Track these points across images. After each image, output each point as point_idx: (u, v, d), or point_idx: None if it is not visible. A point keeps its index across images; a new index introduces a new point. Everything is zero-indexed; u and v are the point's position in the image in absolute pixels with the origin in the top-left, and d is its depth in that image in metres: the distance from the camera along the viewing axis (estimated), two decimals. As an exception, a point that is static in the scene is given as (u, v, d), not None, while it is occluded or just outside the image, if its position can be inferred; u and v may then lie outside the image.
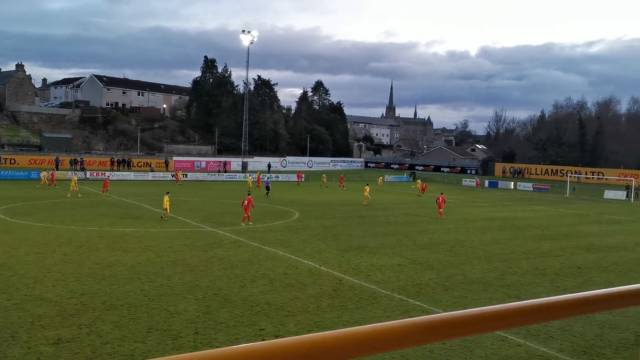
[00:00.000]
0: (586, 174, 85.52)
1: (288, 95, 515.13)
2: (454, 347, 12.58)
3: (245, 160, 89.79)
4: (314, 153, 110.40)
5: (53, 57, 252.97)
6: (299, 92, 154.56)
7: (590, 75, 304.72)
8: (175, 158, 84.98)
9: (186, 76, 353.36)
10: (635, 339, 13.84)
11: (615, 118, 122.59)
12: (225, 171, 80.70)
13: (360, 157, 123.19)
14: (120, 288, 16.86)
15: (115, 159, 76.63)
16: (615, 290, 1.78)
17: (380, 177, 71.73)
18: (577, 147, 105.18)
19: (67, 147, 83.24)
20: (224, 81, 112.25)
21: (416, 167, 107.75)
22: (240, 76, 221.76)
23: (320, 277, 19.37)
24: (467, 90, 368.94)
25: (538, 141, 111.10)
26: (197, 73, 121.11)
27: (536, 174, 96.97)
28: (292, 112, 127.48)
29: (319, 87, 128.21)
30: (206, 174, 76.78)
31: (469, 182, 78.82)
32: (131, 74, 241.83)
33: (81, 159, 72.58)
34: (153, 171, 73.35)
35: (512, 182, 79.69)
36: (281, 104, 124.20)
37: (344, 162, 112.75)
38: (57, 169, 62.78)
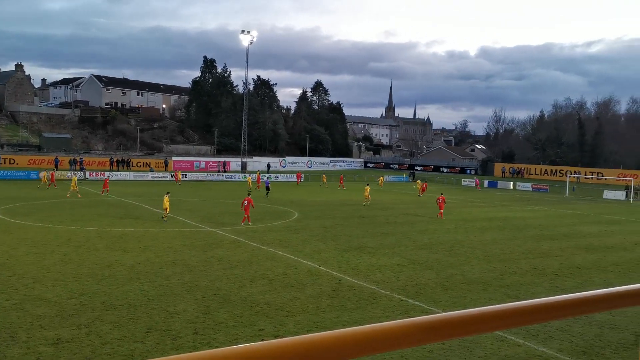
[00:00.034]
0: (585, 174, 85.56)
1: (287, 96, 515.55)
2: (453, 347, 12.58)
3: (244, 160, 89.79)
4: (313, 153, 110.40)
5: (52, 57, 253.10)
6: (298, 92, 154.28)
7: (589, 76, 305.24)
8: (174, 158, 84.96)
9: (186, 76, 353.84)
10: (634, 339, 13.85)
11: (614, 118, 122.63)
12: (225, 171, 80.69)
13: (359, 157, 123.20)
14: (120, 288, 16.86)
15: (115, 159, 76.60)
16: (615, 290, 1.78)
17: (381, 177, 71.69)
18: (576, 147, 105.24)
19: (67, 147, 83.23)
20: (224, 81, 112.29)
21: (415, 167, 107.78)
22: (240, 76, 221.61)
23: (320, 277, 19.37)
24: (467, 90, 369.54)
25: (537, 141, 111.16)
26: (197, 73, 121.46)
27: (535, 174, 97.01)
28: (292, 112, 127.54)
29: (318, 87, 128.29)
30: (205, 174, 76.77)
31: (468, 182, 78.84)
32: (130, 74, 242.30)
33: (80, 159, 72.56)
34: (152, 171, 73.34)
35: (512, 182, 79.72)
36: (280, 104, 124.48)
37: (344, 162, 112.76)
38: (57, 169, 62.72)
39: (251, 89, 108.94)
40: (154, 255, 21.99)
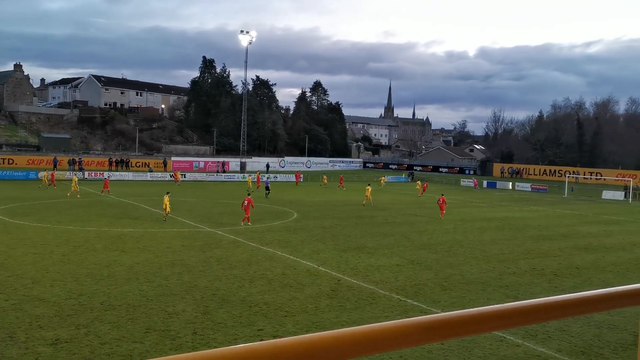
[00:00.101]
0: (584, 175, 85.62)
1: (287, 96, 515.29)
2: (452, 347, 12.58)
3: (243, 160, 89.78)
4: (312, 153, 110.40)
5: (51, 57, 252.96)
6: (297, 92, 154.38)
7: (588, 76, 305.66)
8: (173, 158, 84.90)
9: (185, 76, 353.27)
10: (633, 339, 13.85)
11: (613, 118, 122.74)
12: (224, 171, 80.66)
13: (358, 158, 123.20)
14: (119, 288, 16.85)
15: (114, 159, 76.56)
16: (614, 290, 1.78)
17: (382, 177, 71.57)
18: (575, 148, 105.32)
19: (66, 148, 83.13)
20: (223, 81, 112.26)
21: (414, 168, 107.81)
22: (239, 76, 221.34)
23: (319, 277, 19.37)
24: (466, 91, 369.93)
25: (536, 141, 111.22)
26: (196, 73, 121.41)
27: (534, 175, 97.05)
28: (291, 112, 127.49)
29: (317, 87, 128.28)
30: (205, 174, 76.74)
31: (467, 182, 78.87)
32: (129, 74, 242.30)
33: (79, 159, 72.52)
34: (151, 171, 73.30)
35: (511, 183, 79.74)
36: (280, 104, 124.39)
37: (343, 162, 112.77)
38: (55, 169, 62.66)
39: (250, 89, 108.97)
40: (153, 255, 21.97)
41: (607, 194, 66.42)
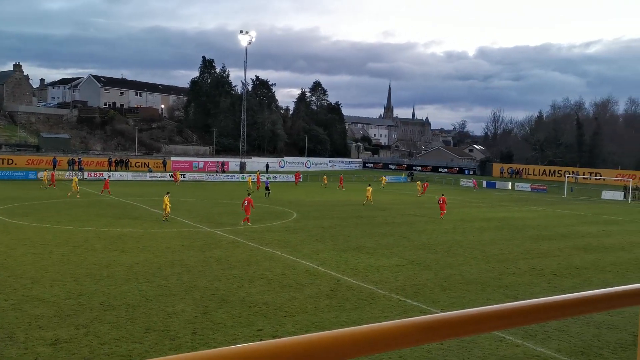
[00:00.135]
0: (584, 175, 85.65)
1: (286, 96, 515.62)
2: (451, 348, 12.58)
3: (243, 160, 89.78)
4: (311, 153, 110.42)
5: (51, 57, 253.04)
6: (297, 92, 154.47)
7: (588, 76, 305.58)
8: (173, 158, 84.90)
9: (184, 76, 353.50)
10: (632, 339, 13.84)
11: (612, 119, 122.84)
12: (224, 171, 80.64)
13: (358, 158, 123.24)
14: (118, 288, 16.84)
15: (113, 159, 76.56)
16: (613, 290, 1.79)
17: (384, 178, 71.53)
18: (574, 148, 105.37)
19: (65, 148, 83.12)
20: (222, 81, 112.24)
21: (414, 168, 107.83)
22: (239, 76, 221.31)
23: (318, 277, 19.37)
24: (465, 91, 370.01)
25: (536, 142, 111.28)
26: (195, 73, 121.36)
27: (534, 175, 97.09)
28: (290, 112, 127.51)
29: (317, 87, 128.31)
30: (204, 174, 76.72)
31: (466, 182, 78.90)
32: (129, 74, 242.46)
33: (79, 159, 72.51)
34: (151, 171, 73.29)
35: (510, 183, 79.77)
36: (279, 105, 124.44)
37: (342, 162, 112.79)
38: (55, 169, 62.64)
39: (250, 89, 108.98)
40: (153, 255, 21.97)
41: (606, 194, 66.45)
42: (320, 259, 22.37)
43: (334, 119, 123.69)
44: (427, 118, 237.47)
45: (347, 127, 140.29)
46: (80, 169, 67.11)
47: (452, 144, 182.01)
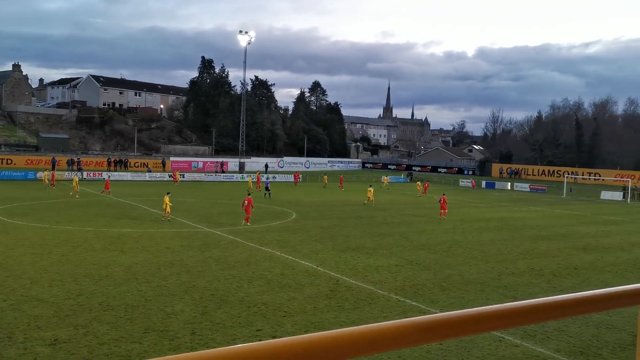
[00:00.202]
0: (583, 175, 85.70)
1: (285, 96, 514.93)
2: (451, 348, 12.59)
3: (242, 160, 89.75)
4: (311, 153, 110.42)
5: (50, 57, 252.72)
6: (296, 92, 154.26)
7: (587, 76, 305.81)
8: (172, 158, 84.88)
9: (183, 76, 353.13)
10: (631, 340, 13.86)
11: (612, 119, 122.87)
12: (223, 172, 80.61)
13: (357, 158, 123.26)
14: (117, 289, 16.83)
15: (112, 160, 76.53)
16: (612, 290, 1.79)
17: (386, 178, 71.52)
18: (573, 148, 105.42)
19: (64, 148, 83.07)
20: (221, 82, 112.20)
21: (413, 168, 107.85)
22: (238, 77, 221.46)
23: (318, 277, 19.37)
24: (464, 91, 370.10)
25: (535, 142, 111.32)
26: (195, 73, 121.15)
27: (533, 175, 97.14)
28: (290, 112, 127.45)
29: (316, 87, 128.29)
30: (203, 174, 76.67)
31: (465, 182, 78.95)
32: (128, 74, 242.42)
33: (78, 159, 72.47)
34: (150, 172, 73.25)
35: (509, 183, 79.78)
36: (278, 105, 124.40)
37: (341, 162, 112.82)
38: (54, 169, 62.60)
39: (249, 90, 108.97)
40: (152, 255, 21.96)
41: (605, 195, 66.50)
42: (319, 259, 22.37)
43: (333, 119, 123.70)
44: (426, 118, 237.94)
45: (346, 127, 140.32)
46: (80, 169, 67.06)
47: (451, 144, 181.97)
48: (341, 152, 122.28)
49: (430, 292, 18.06)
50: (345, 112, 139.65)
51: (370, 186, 46.92)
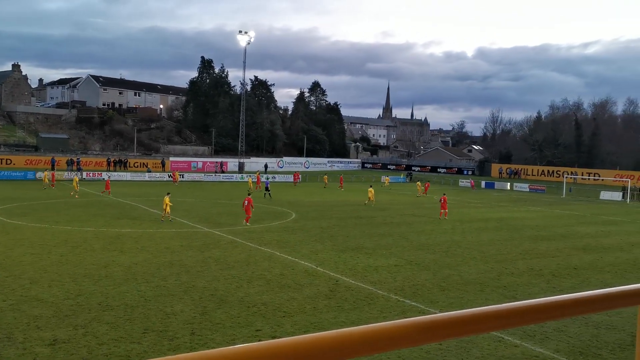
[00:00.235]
0: (582, 175, 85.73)
1: (285, 96, 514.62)
2: (450, 348, 12.59)
3: (242, 160, 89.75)
4: (310, 154, 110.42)
5: (50, 57, 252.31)
6: (296, 92, 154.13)
7: (586, 77, 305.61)
8: (171, 158, 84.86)
9: (183, 76, 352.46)
10: (631, 340, 13.87)
11: (611, 119, 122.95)
12: (222, 172, 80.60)
13: (357, 158, 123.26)
14: (117, 289, 16.83)
15: (112, 160, 76.50)
16: (612, 290, 1.79)
17: (387, 178, 71.55)
18: (573, 148, 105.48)
19: (64, 148, 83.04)
20: (221, 82, 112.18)
21: (413, 168, 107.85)
22: (237, 77, 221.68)
23: (317, 277, 19.37)
24: (464, 91, 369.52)
25: (534, 142, 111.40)
26: (194, 73, 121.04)
27: (532, 175, 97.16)
28: (289, 112, 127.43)
29: (316, 87, 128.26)
30: (203, 174, 76.65)
31: (465, 182, 78.98)
32: (128, 74, 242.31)
33: (77, 159, 72.45)
34: (150, 172, 73.22)
35: (509, 183, 79.76)
36: (278, 105, 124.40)
37: (341, 162, 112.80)
38: (53, 169, 62.57)
39: (249, 90, 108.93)
40: (151, 255, 21.96)
41: (605, 195, 66.53)
42: (319, 259, 22.38)
43: (332, 119, 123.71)
44: (425, 118, 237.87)
45: (346, 128, 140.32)
46: (79, 169, 67.02)
47: (450, 145, 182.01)
48: (341, 152, 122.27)
49: (430, 292, 18.07)
50: (344, 112, 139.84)
51: (371, 186, 46.95)
